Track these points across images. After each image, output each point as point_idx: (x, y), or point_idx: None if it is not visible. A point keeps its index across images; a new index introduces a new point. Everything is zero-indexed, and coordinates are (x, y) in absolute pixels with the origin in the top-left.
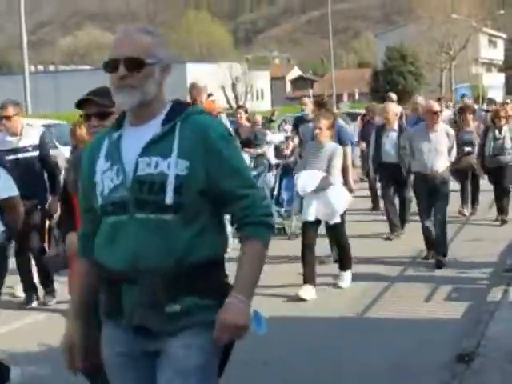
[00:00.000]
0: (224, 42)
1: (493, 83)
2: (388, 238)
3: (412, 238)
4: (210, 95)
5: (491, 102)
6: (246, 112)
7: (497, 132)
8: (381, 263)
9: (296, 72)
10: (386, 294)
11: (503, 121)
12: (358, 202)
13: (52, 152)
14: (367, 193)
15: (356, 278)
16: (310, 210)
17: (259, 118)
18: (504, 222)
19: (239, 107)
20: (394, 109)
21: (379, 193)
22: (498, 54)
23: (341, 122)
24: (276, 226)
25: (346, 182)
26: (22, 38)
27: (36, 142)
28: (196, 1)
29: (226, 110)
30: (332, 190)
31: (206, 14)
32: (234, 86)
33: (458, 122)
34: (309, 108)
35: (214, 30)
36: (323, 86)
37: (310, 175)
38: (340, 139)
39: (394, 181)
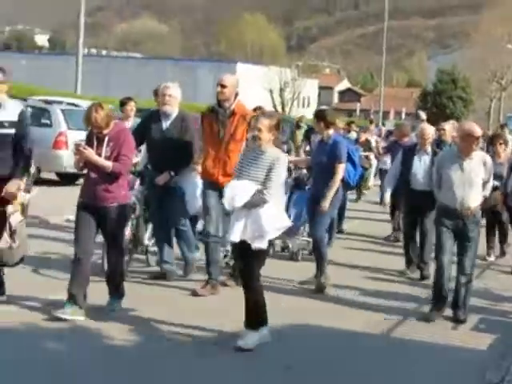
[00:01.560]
0: (277, 46)
1: None
2: (402, 273)
3: None
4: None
5: None
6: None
7: None
8: (410, 284)
9: (345, 84)
10: (412, 316)
11: None
12: (377, 226)
13: None
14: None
15: (382, 295)
16: (236, 229)
17: None
18: None
19: (257, 108)
20: (432, 130)
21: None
22: None
23: (353, 135)
24: (279, 244)
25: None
26: (80, 20)
27: (15, 118)
28: (253, 1)
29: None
30: (266, 208)
31: (262, 16)
32: (281, 91)
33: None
34: None
35: (269, 34)
36: (371, 100)
37: (241, 187)
38: (334, 155)
39: (420, 211)
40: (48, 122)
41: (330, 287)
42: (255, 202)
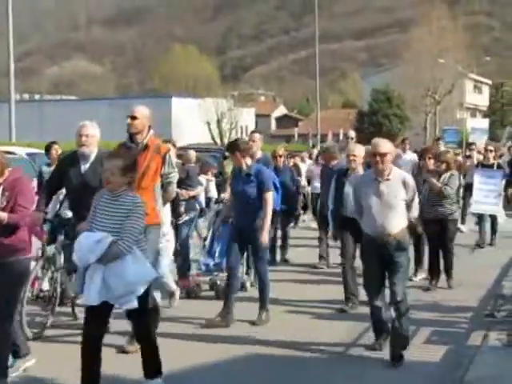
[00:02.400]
0: (211, 77)
1: (477, 128)
2: (342, 311)
3: None
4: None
5: (471, 144)
6: (174, 146)
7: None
8: (360, 304)
9: (281, 110)
10: (365, 335)
11: (443, 166)
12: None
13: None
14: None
15: (339, 317)
16: (93, 290)
17: (193, 155)
18: (450, 287)
19: (167, 141)
20: (362, 151)
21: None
22: (482, 100)
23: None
24: (206, 282)
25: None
26: (10, 67)
27: None
28: (183, 35)
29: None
30: (128, 261)
31: (194, 48)
32: (218, 121)
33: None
34: (256, 146)
35: (202, 65)
36: (308, 125)
37: (93, 239)
38: (260, 184)
39: (356, 240)
40: None
41: (277, 315)
42: (112, 256)
